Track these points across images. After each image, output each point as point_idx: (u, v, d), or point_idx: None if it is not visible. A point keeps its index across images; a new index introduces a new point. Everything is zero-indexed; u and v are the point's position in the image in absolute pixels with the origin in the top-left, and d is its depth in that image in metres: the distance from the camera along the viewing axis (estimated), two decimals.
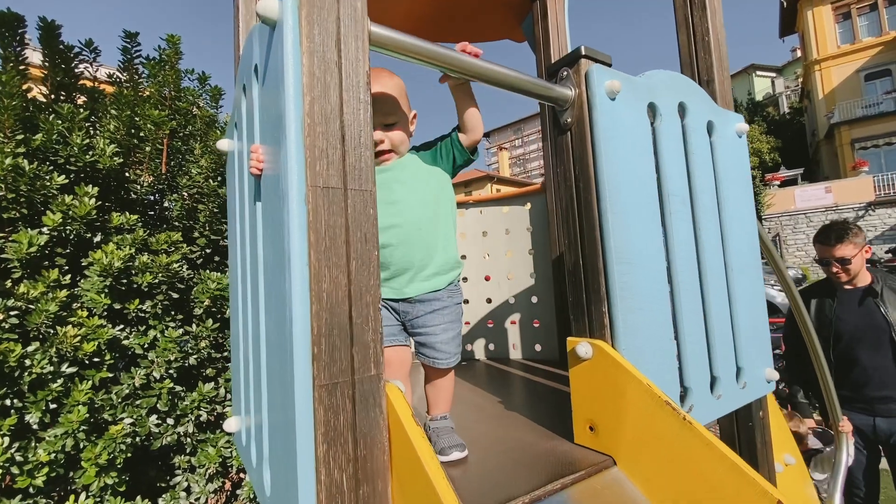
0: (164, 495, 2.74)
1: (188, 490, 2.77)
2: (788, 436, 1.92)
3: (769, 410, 1.53)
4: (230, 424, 1.20)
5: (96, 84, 3.03)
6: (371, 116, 0.73)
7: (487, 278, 2.45)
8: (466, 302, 2.50)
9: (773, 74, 34.78)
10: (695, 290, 1.23)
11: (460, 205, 2.47)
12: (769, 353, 1.46)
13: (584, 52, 1.09)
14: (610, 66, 1.13)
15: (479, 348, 2.44)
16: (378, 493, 0.68)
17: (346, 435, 0.66)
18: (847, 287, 2.39)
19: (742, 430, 1.43)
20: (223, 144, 1.26)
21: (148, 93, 3.13)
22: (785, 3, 24.89)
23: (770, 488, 0.74)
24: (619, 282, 1.04)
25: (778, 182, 21.25)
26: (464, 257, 2.49)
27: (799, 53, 29.43)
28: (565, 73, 1.12)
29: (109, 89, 3.09)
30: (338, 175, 0.69)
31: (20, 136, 2.35)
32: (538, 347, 2.29)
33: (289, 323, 0.64)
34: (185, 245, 2.86)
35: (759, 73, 34.51)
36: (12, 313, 2.17)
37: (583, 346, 1.05)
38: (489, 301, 2.45)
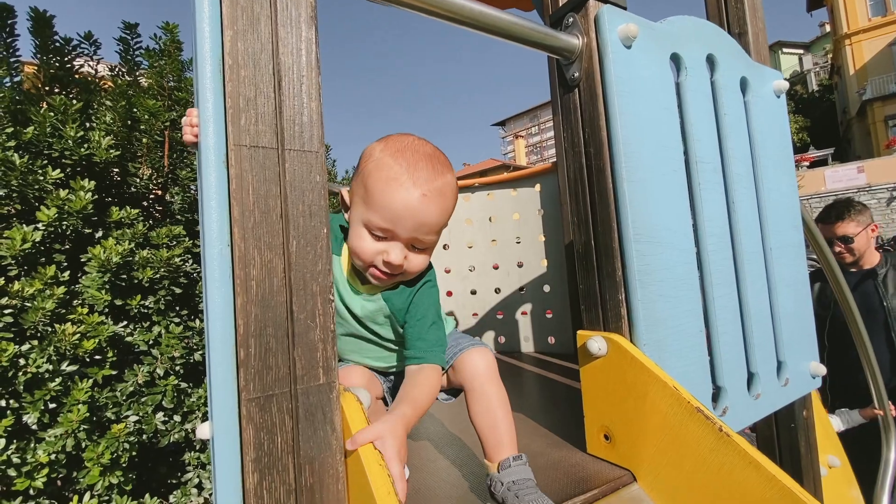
0: (175, 492, 2.69)
1: (199, 486, 2.72)
2: (831, 433, 1.72)
3: (813, 409, 1.34)
4: (202, 430, 1.08)
5: (96, 79, 2.96)
6: (318, 58, 0.58)
7: (496, 267, 2.29)
8: (474, 293, 2.34)
9: (801, 51, 33.24)
10: (728, 272, 1.05)
11: (466, 189, 2.31)
12: (814, 344, 1.27)
13: None
14: (625, 8, 0.95)
15: (488, 341, 2.29)
16: None
17: (285, 461, 0.52)
18: (852, 270, 2.29)
19: (783, 433, 1.25)
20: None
21: (147, 84, 3.05)
22: None
23: None
24: (639, 264, 0.87)
25: (807, 163, 20.33)
26: (470, 246, 2.34)
27: (828, 28, 28.03)
28: (571, 18, 0.95)
29: (111, 84, 3.02)
30: (271, 132, 0.54)
31: (10, 129, 2.28)
32: (551, 340, 2.13)
33: (210, 322, 0.50)
34: (187, 239, 2.78)
35: (785, 50, 33.03)
36: (6, 311, 2.12)
37: (595, 341, 0.88)
38: (498, 291, 2.29)
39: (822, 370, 1.24)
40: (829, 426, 1.73)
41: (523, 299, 2.23)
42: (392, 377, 0.99)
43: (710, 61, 1.11)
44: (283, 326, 0.53)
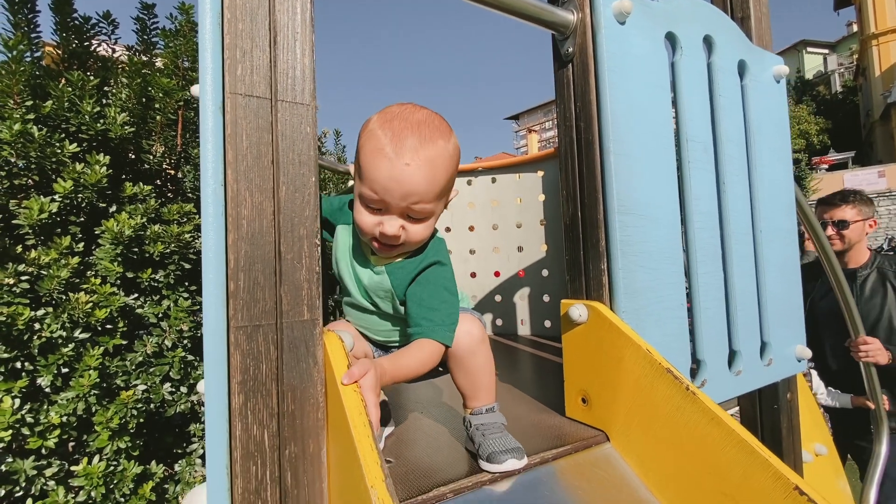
0: (180, 461, 2.79)
1: (204, 457, 2.80)
2: (820, 422, 1.73)
3: (798, 392, 1.36)
4: (202, 386, 1.14)
5: (113, 58, 3.03)
6: (312, 17, 0.62)
7: (496, 250, 2.32)
8: (473, 276, 2.38)
9: (826, 51, 32.44)
10: (714, 250, 1.07)
11: (468, 172, 2.34)
12: (801, 329, 1.29)
13: None
14: None
15: (486, 323, 2.33)
16: (309, 455, 0.58)
17: (269, 386, 0.56)
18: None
19: (766, 413, 1.27)
20: (196, 90, 1.17)
21: (162, 63, 3.11)
22: None
23: (786, 470, 0.60)
24: (621, 235, 0.90)
25: (826, 166, 19.91)
26: (472, 228, 2.37)
27: (855, 28, 27.29)
28: None
29: (126, 65, 3.08)
30: (265, 83, 0.58)
31: (29, 103, 2.36)
32: (548, 324, 2.16)
33: (204, 254, 0.55)
34: (197, 216, 2.85)
35: (809, 49, 32.27)
36: (23, 278, 2.20)
37: (577, 308, 0.92)
38: (497, 274, 2.33)
39: (808, 353, 1.25)
40: (818, 414, 1.74)
41: (522, 283, 2.26)
42: (391, 351, 0.98)
43: (708, 42, 1.13)
44: (271, 264, 0.57)
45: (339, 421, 0.56)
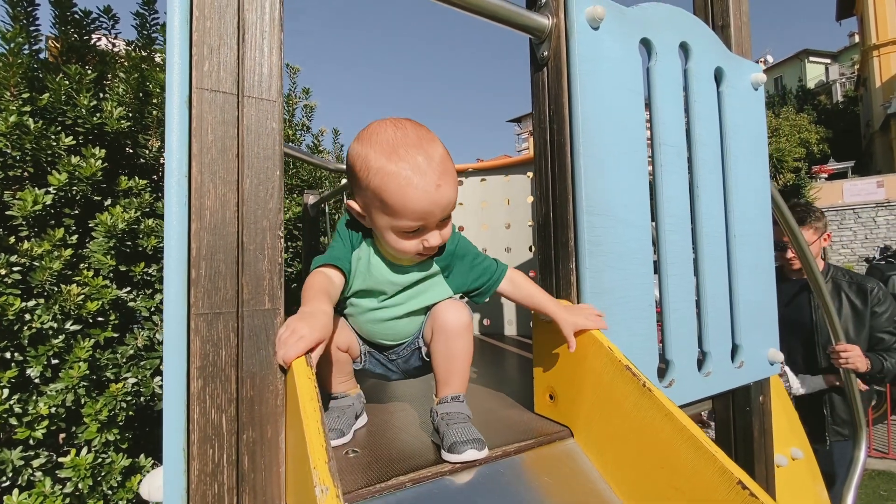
0: None
1: None
2: (797, 427, 1.74)
3: (773, 396, 1.37)
4: None
5: (113, 54, 3.05)
6: (281, 16, 0.64)
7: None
8: None
9: (828, 61, 32.50)
10: (685, 252, 1.09)
11: (460, 173, 2.36)
12: (775, 332, 1.30)
13: None
14: None
15: (473, 324, 2.35)
16: (267, 440, 0.60)
17: (227, 372, 0.58)
18: (793, 278, 2.26)
19: (739, 416, 1.29)
20: None
21: (161, 59, 3.14)
22: None
23: (731, 465, 0.62)
24: (589, 235, 0.92)
25: (825, 175, 19.96)
26: (461, 228, 2.39)
27: (856, 38, 27.37)
28: (544, 0, 0.99)
29: (125, 60, 3.11)
30: (231, 79, 0.60)
31: (26, 95, 2.38)
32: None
33: (166, 242, 0.57)
34: None
35: (812, 58, 32.32)
36: (15, 269, 2.22)
37: None
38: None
39: (780, 357, 1.27)
40: (795, 419, 1.76)
41: None
42: (396, 350, 0.99)
43: (684, 49, 1.15)
44: (233, 254, 0.59)
45: (293, 407, 0.58)
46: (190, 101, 0.57)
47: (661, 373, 1.05)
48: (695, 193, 1.13)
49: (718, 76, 1.23)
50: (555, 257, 0.97)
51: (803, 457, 1.63)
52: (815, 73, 32.18)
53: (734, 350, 1.19)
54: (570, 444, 0.87)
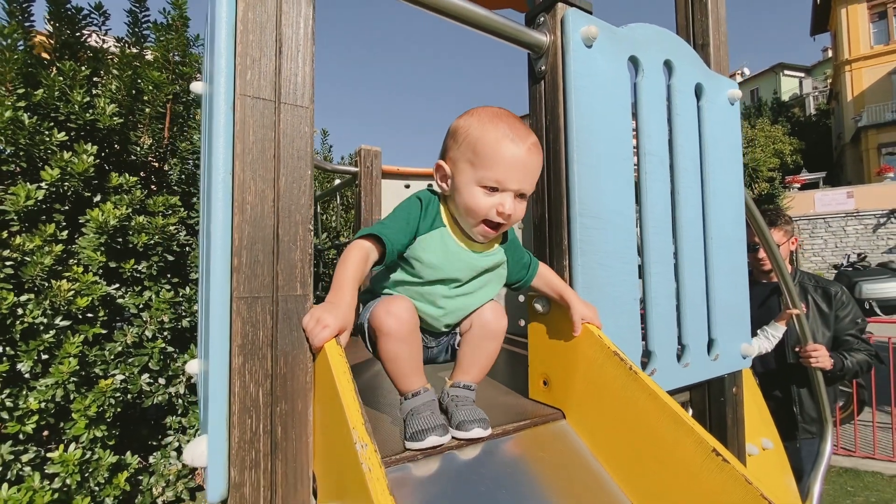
0: (155, 453, 2.79)
1: (179, 450, 2.81)
2: (768, 419, 1.87)
3: (745, 388, 1.48)
4: (191, 366, 1.21)
5: (104, 50, 3.04)
6: (314, 31, 0.71)
7: None
8: None
9: (802, 74, 33.73)
10: (666, 253, 1.19)
11: None
12: (747, 329, 1.41)
13: None
14: (590, 12, 1.09)
15: None
16: (297, 412, 0.67)
17: (264, 350, 0.64)
18: (763, 281, 2.34)
19: (713, 406, 1.40)
20: (197, 87, 1.24)
21: (152, 56, 3.14)
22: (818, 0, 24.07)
23: (706, 436, 0.71)
24: (582, 235, 1.01)
25: (798, 185, 20.70)
26: None
27: (830, 53, 28.49)
28: (542, 18, 1.08)
29: (117, 56, 3.11)
30: (270, 87, 0.67)
31: (21, 90, 2.38)
32: (522, 322, 2.27)
33: (212, 233, 0.63)
34: (182, 209, 2.89)
35: (786, 72, 33.49)
36: (7, 264, 2.22)
37: (540, 301, 1.02)
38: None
39: (752, 351, 1.38)
40: (766, 411, 1.88)
41: None
42: (441, 339, 1.02)
43: (668, 66, 1.25)
44: (270, 245, 0.66)
45: (325, 381, 0.65)
46: (234, 106, 0.64)
47: (644, 365, 1.14)
48: (676, 199, 1.23)
49: (698, 92, 1.33)
50: (549, 255, 1.06)
51: (773, 447, 1.75)
52: (789, 86, 33.34)
53: (710, 344, 1.29)
54: (563, 424, 0.95)
